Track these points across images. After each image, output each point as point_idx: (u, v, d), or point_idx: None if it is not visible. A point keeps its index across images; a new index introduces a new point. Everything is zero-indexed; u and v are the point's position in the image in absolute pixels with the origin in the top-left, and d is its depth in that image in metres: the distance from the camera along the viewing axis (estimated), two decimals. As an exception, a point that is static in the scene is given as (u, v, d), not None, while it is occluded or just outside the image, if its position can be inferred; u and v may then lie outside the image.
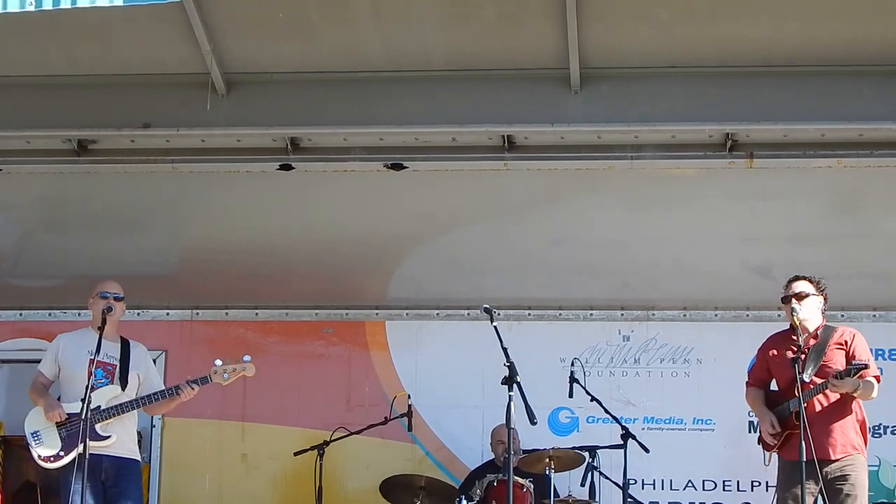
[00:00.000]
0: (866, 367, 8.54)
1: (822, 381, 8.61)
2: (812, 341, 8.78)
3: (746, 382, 9.21)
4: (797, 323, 8.63)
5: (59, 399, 9.03)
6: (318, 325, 12.31)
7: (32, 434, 8.91)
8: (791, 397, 8.61)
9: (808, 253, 10.85)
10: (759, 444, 9.11)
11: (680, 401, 11.81)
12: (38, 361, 9.29)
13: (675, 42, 9.45)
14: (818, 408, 8.62)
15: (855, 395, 8.60)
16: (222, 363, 9.10)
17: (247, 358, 9.16)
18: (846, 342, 8.83)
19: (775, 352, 8.93)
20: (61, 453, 8.79)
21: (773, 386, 9.09)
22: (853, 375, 8.47)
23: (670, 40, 9.43)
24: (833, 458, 8.52)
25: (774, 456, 8.94)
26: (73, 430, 8.72)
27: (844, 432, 8.67)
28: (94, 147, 10.17)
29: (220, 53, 9.59)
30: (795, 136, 9.70)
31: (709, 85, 9.61)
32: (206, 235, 11.34)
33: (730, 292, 11.69)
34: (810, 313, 8.80)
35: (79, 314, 11.27)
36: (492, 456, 11.43)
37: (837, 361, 8.74)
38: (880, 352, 11.67)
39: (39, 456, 8.86)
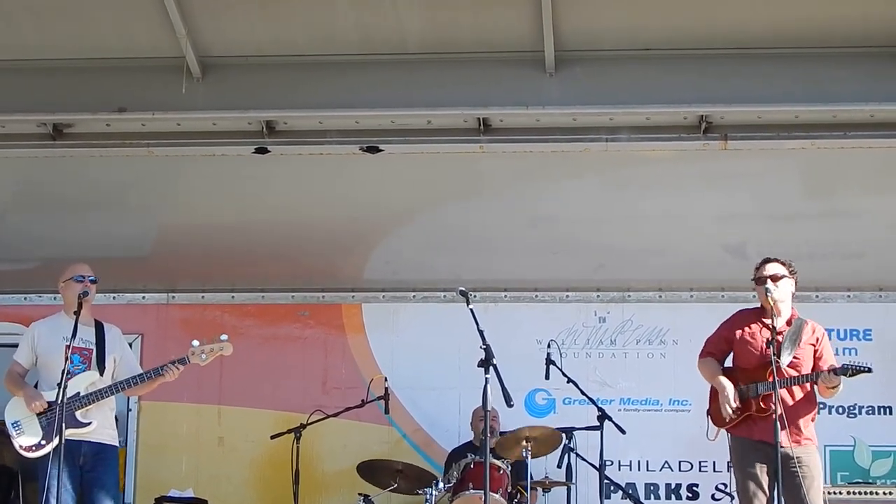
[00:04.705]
0: (869, 370, 8.59)
1: (798, 373, 8.63)
2: (786, 327, 8.78)
3: (702, 352, 9.10)
4: (772, 304, 8.62)
5: (36, 386, 9.00)
6: (294, 308, 12.35)
7: (13, 424, 8.84)
8: (758, 379, 8.64)
9: (783, 234, 10.93)
10: (707, 416, 9.03)
11: (656, 382, 11.89)
12: (14, 346, 9.25)
13: (650, 25, 9.45)
14: (788, 398, 8.61)
15: (832, 391, 8.65)
16: (199, 343, 9.07)
17: (224, 337, 9.12)
18: (817, 340, 8.84)
19: (745, 330, 8.89)
20: (42, 442, 8.73)
21: (728, 362, 9.04)
22: (849, 376, 8.53)
23: (645, 23, 9.44)
24: (790, 446, 8.50)
25: (721, 432, 8.92)
26: (53, 418, 8.61)
27: (806, 425, 8.69)
28: (69, 131, 10.12)
29: (196, 37, 9.56)
30: (769, 117, 9.72)
31: (683, 67, 9.60)
32: (182, 219, 11.35)
33: (705, 273, 11.75)
34: (784, 295, 8.78)
35: (54, 298, 11.06)
36: (469, 436, 11.47)
37: (806, 358, 8.75)
38: (854, 332, 11.77)
39: (21, 446, 8.79)
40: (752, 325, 8.87)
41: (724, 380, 8.80)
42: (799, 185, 10.72)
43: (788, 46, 9.47)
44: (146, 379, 9.00)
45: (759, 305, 8.98)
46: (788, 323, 8.77)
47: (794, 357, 8.70)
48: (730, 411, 8.67)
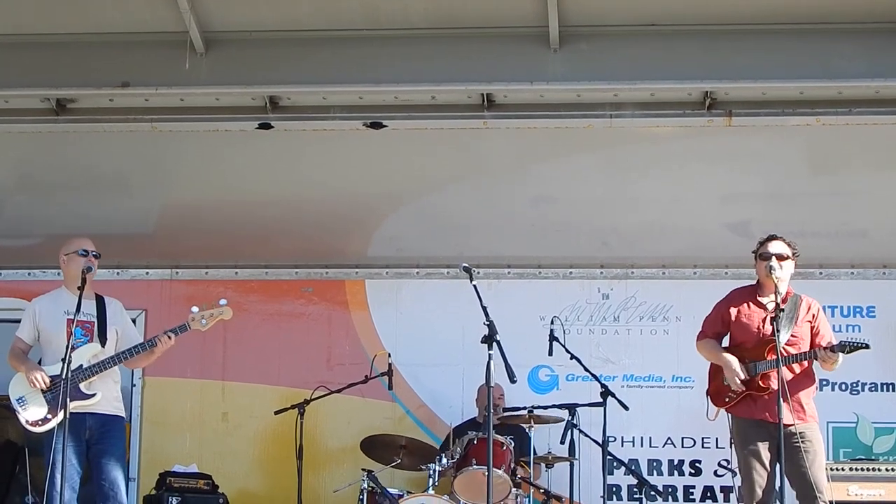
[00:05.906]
0: (867, 346, 8.60)
1: (798, 351, 8.66)
2: (782, 305, 8.76)
3: (700, 333, 9.14)
4: (775, 283, 8.61)
5: (40, 362, 8.99)
6: (297, 284, 12.34)
7: (18, 400, 8.83)
8: (756, 358, 8.67)
9: (787, 211, 10.92)
10: (707, 396, 9.08)
11: (659, 358, 11.88)
12: (18, 321, 9.24)
13: (654, 0, 9.43)
14: (788, 374, 8.58)
15: (830, 366, 8.66)
16: (199, 309, 9.08)
17: (223, 301, 9.11)
18: (813, 317, 8.85)
19: (741, 310, 8.91)
20: (48, 416, 8.73)
21: (725, 341, 9.07)
22: (847, 352, 8.54)
23: (649, -2, 9.44)
24: (792, 423, 8.49)
25: (721, 411, 8.94)
26: (57, 392, 8.61)
27: (806, 402, 8.71)
28: (72, 106, 10.10)
29: (199, 12, 9.53)
30: (774, 94, 9.68)
31: (688, 43, 9.57)
32: (186, 194, 11.34)
33: (708, 250, 11.73)
34: (786, 275, 8.78)
35: (58, 273, 11.18)
36: (473, 413, 11.48)
37: (804, 335, 8.77)
38: (857, 309, 11.77)
39: (27, 421, 8.78)
40: (748, 305, 8.89)
41: (727, 355, 8.83)
42: (803, 162, 10.69)
43: (794, 22, 9.43)
44: (143, 349, 8.99)
45: (753, 283, 8.99)
46: (784, 300, 8.74)
47: (792, 335, 8.71)
48: (739, 383, 8.67)
